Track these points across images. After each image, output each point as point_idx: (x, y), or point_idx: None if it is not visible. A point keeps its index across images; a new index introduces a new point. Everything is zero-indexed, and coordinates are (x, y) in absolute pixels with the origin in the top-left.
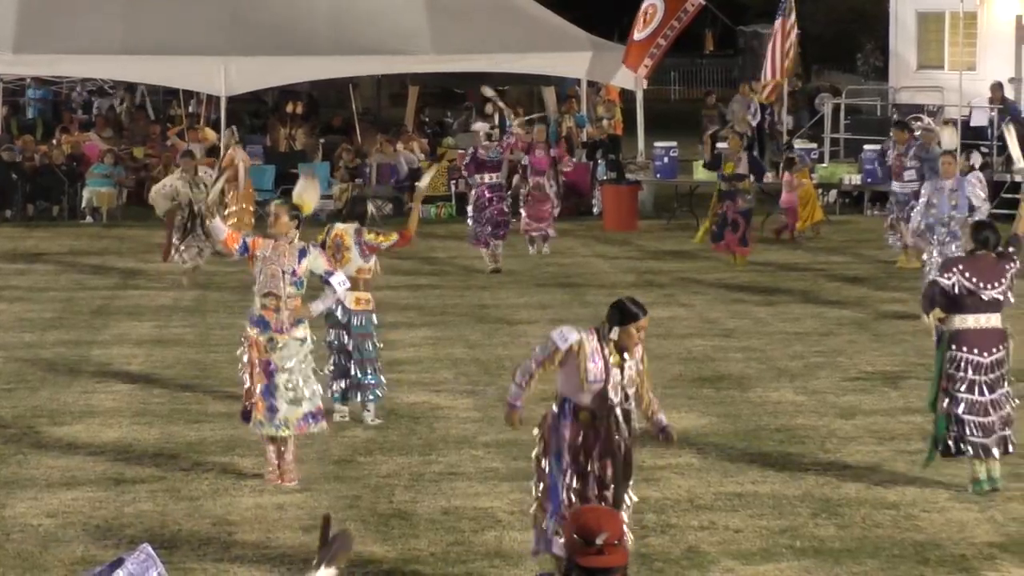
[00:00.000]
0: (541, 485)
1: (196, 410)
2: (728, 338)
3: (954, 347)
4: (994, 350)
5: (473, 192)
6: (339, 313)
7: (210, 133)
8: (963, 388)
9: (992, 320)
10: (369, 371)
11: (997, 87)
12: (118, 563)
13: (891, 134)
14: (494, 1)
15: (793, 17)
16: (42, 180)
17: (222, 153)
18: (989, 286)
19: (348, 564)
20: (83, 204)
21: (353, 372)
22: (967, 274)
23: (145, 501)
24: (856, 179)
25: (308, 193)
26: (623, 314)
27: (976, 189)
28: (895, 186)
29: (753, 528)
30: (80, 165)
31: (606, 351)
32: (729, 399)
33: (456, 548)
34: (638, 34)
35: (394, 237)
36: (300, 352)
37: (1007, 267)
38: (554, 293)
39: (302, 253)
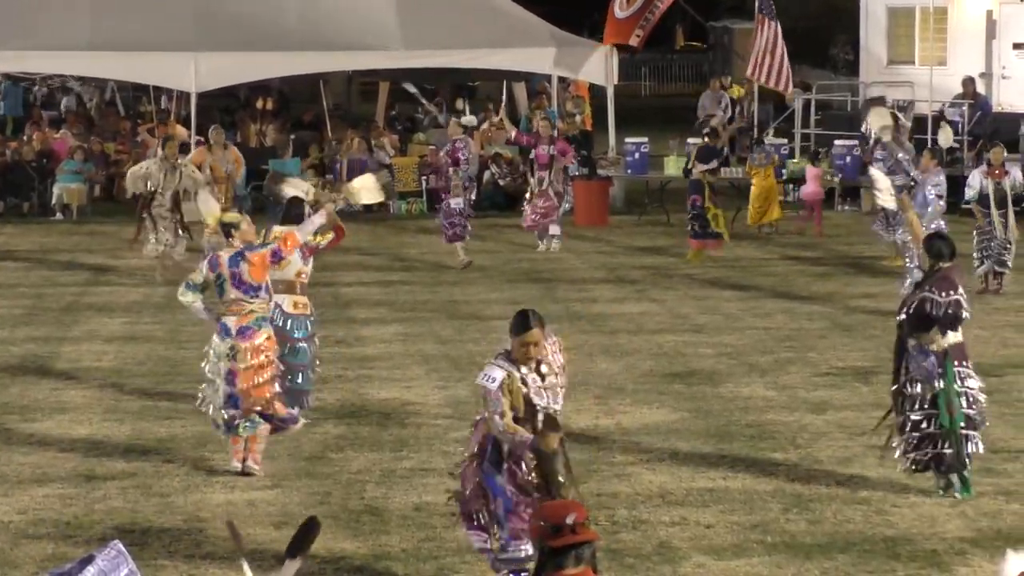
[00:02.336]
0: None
1: (167, 407)
2: (699, 333)
3: (956, 363)
4: (969, 363)
5: (452, 186)
6: (277, 317)
7: (180, 130)
8: (970, 404)
9: (962, 332)
10: (300, 377)
11: (969, 82)
12: (89, 560)
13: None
14: None
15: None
16: (12, 177)
17: (213, 147)
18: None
19: (320, 560)
20: (53, 201)
21: (285, 376)
22: (961, 289)
23: (116, 498)
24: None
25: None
26: (513, 325)
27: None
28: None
29: (724, 523)
30: (50, 162)
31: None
32: (700, 395)
33: (427, 544)
34: (620, 12)
35: (330, 235)
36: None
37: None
38: (525, 289)
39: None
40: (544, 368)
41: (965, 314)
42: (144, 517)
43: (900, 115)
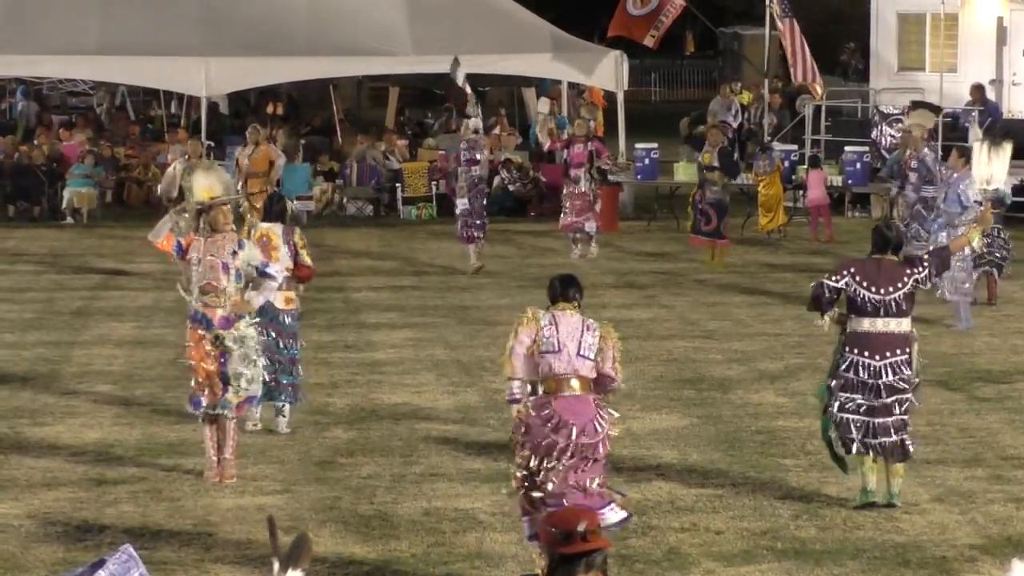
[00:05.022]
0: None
1: (177, 411)
2: (709, 339)
3: (846, 349)
4: (887, 354)
5: (461, 187)
6: (269, 312)
7: (183, 134)
8: (851, 390)
9: (890, 324)
10: (291, 372)
11: (978, 88)
12: (100, 564)
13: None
14: (475, 2)
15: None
16: (22, 180)
17: (250, 151)
18: (882, 290)
19: (330, 565)
20: (64, 205)
21: (275, 372)
22: (858, 277)
23: (126, 502)
24: (837, 180)
25: (211, 182)
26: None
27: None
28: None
29: (734, 530)
30: (60, 166)
31: None
32: (710, 400)
33: (437, 549)
34: (634, 9)
35: (308, 261)
36: (247, 339)
37: (908, 271)
38: (534, 294)
39: (239, 245)
40: None
41: (871, 307)
42: (154, 521)
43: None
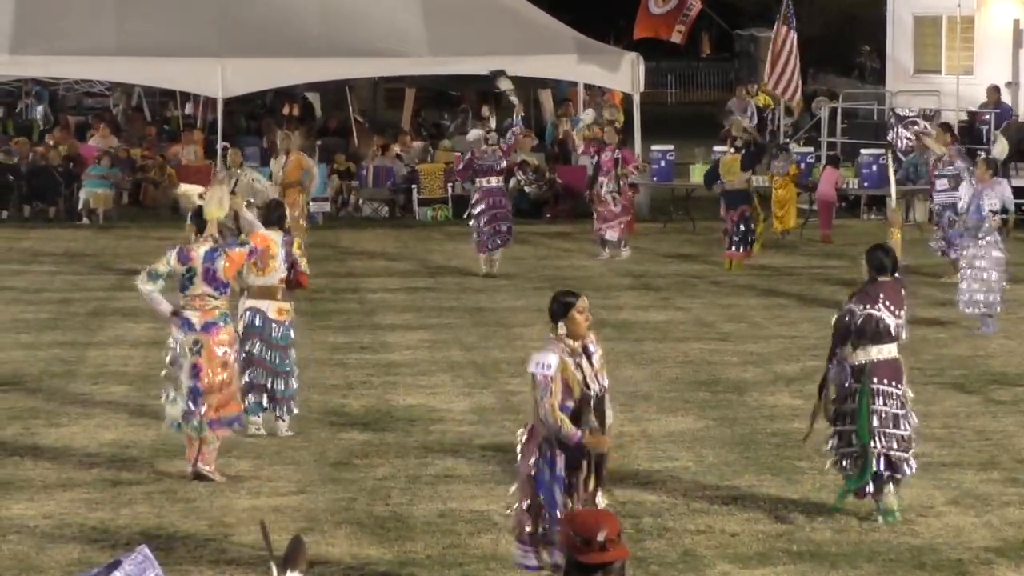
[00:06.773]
0: (527, 500)
1: None
2: (724, 341)
3: (873, 380)
4: (904, 381)
5: (473, 197)
6: (258, 323)
7: (199, 136)
8: (886, 423)
9: (895, 350)
10: (284, 384)
11: (993, 90)
12: (115, 565)
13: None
14: (491, 3)
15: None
16: (39, 181)
17: (279, 154)
18: (901, 313)
19: (346, 567)
20: (80, 205)
21: (270, 384)
22: (887, 302)
23: (142, 503)
24: (853, 183)
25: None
26: (561, 305)
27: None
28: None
29: (750, 532)
30: (77, 166)
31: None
32: (726, 403)
33: (452, 551)
34: (656, 8)
35: (304, 267)
36: None
37: (903, 292)
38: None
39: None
40: (592, 347)
41: (894, 331)
42: (170, 522)
43: (926, 124)
